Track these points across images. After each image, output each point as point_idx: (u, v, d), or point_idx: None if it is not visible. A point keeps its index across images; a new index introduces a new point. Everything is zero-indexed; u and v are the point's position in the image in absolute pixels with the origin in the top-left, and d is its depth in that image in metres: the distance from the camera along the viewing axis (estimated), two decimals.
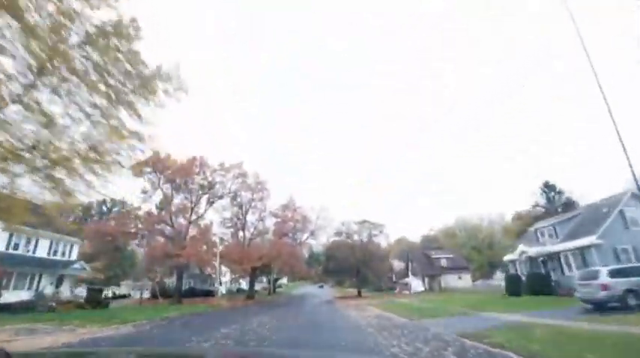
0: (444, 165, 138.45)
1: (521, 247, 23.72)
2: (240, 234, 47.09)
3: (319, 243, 49.95)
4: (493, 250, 75.26)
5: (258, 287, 77.03)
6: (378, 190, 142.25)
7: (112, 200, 61.54)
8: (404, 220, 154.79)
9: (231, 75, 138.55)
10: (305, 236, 47.17)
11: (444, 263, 48.91)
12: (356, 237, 46.17)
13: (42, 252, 23.16)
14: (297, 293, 63.75)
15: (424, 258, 51.18)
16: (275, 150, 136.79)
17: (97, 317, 16.90)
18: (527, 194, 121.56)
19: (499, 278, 58.60)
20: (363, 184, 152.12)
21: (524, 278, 23.02)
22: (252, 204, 47.23)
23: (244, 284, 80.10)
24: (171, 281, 48.55)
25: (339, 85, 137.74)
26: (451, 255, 50.66)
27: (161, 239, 39.49)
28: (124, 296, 51.43)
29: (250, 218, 48.09)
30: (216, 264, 32.68)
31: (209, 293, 48.44)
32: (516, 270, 25.79)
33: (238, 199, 46.18)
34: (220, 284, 67.58)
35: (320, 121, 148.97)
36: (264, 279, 70.91)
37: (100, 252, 42.42)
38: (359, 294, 44.31)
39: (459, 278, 47.71)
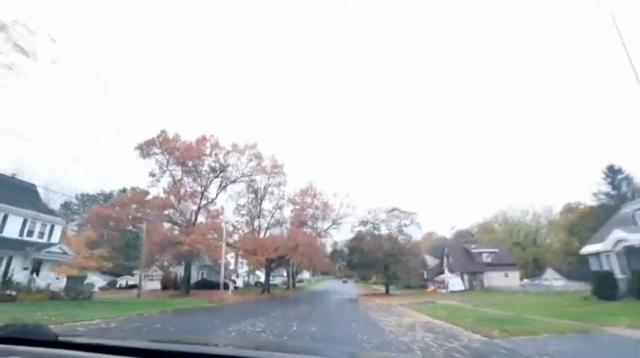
0: (483, 151, 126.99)
1: (616, 234, 17.35)
2: (255, 223, 42.88)
3: (343, 234, 44.86)
4: (538, 247, 67.07)
5: (278, 280, 73.21)
6: (407, 179, 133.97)
7: (133, 188, 59.54)
8: (434, 214, 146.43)
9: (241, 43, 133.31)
10: (326, 225, 42.22)
11: (486, 258, 42.30)
12: (384, 228, 40.62)
13: (12, 231, 19.71)
14: (319, 288, 58.98)
15: (463, 252, 44.74)
16: (294, 132, 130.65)
17: (49, 312, 12.82)
18: (580, 183, 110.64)
19: (550, 278, 51.05)
20: (391, 172, 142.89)
21: (620, 276, 16.84)
22: (269, 190, 42.83)
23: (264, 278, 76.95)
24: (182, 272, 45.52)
25: (366, 55, 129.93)
26: (495, 250, 43.86)
27: (166, 225, 35.84)
28: (134, 287, 48.82)
29: (267, 206, 43.79)
30: (222, 252, 28.55)
31: (223, 286, 44.75)
32: (601, 266, 19.38)
33: (254, 185, 41.90)
34: (237, 276, 64.51)
35: (344, 98, 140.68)
36: (285, 273, 66.68)
37: (105, 239, 39.60)
38: (387, 292, 38.86)
39: (505, 276, 41.00)
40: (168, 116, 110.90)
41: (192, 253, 35.09)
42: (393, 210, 39.72)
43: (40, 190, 27.76)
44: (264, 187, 42.49)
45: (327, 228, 42.09)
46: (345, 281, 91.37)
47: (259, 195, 42.77)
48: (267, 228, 43.92)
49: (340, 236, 43.33)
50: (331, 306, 23.13)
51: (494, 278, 40.45)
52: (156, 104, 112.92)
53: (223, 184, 39.63)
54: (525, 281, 46.77)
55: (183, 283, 35.37)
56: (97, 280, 54.01)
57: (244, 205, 42.64)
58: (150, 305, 19.81)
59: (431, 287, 46.28)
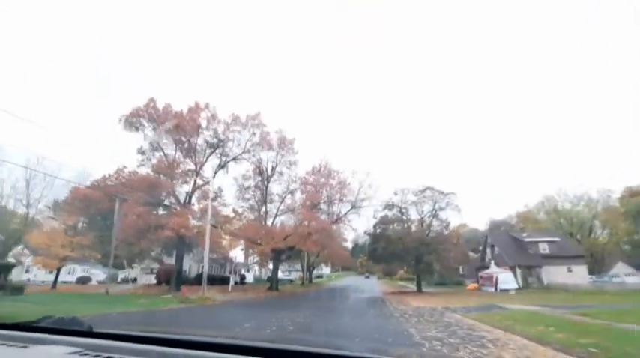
0: (524, 128, 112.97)
1: None
2: (262, 209, 36.77)
3: (364, 221, 37.97)
4: (595, 237, 57.48)
5: (295, 275, 67.20)
6: (432, 162, 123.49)
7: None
8: (464, 203, 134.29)
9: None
10: (344, 210, 35.48)
11: (544, 249, 34.23)
12: (414, 212, 33.45)
13: None
14: (338, 284, 52.39)
15: (512, 242, 36.82)
16: (307, 104, 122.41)
17: None
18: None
19: (620, 273, 42.36)
20: (413, 153, 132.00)
21: None
22: (278, 170, 36.59)
23: (281, 273, 71.18)
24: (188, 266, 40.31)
25: (401, 22, 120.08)
26: (555, 239, 35.59)
27: (148, 207, 30.23)
28: (133, 281, 44.26)
29: (275, 189, 37.62)
30: (207, 237, 22.59)
31: (225, 281, 39.22)
32: None
33: (259, 164, 35.81)
34: (248, 270, 59.06)
35: (367, 65, 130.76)
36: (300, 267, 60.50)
37: (88, 226, 34.76)
38: (419, 290, 31.82)
39: (569, 270, 32.86)
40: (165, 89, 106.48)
41: (184, 241, 29.54)
42: (426, 189, 32.44)
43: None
44: (272, 167, 36.34)
45: (346, 213, 35.36)
46: (367, 277, 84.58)
47: (265, 176, 36.63)
48: (277, 215, 37.70)
49: (361, 223, 36.22)
50: (350, 310, 16.57)
51: (555, 274, 32.44)
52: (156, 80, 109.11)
53: (222, 162, 33.77)
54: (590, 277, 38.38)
55: (175, 277, 29.85)
56: (96, 273, 50.25)
57: (249, 187, 36.64)
58: (107, 304, 14.66)
59: (470, 285, 38.78)
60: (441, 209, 32.27)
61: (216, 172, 33.35)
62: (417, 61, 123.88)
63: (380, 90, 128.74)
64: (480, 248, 43.39)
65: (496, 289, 29.80)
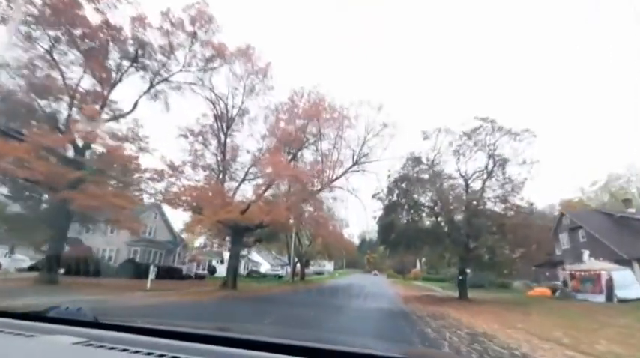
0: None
1: None
2: (213, 160, 24.04)
3: (372, 188, 24.90)
4: None
5: (288, 271, 54.57)
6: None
7: None
8: None
9: None
10: (339, 169, 22.49)
11: None
12: (451, 167, 20.52)
13: None
14: (337, 284, 39.35)
15: (614, 223, 23.20)
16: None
17: None
18: None
19: None
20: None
21: None
22: (242, 108, 23.96)
23: (269, 267, 58.32)
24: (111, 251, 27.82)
25: None
26: None
27: None
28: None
29: (239, 139, 24.96)
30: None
31: (174, 274, 27.06)
32: None
33: (213, 99, 23.29)
34: (222, 261, 46.54)
35: None
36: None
37: None
38: (463, 296, 18.81)
39: None
40: None
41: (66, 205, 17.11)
42: (479, 127, 19.31)
43: None
44: (239, 108, 23.71)
45: (345, 173, 22.37)
46: (375, 275, 71.98)
47: (225, 119, 24.06)
48: (246, 179, 24.86)
49: (367, 192, 22.86)
50: None
51: None
52: None
53: (150, 82, 21.26)
54: None
55: (49, 263, 17.60)
56: (22, 259, 38.44)
57: (199, 133, 24.03)
58: None
59: (535, 288, 25.48)
60: (504, 162, 19.03)
61: (136, 104, 20.82)
62: None
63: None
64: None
65: (610, 298, 16.53)
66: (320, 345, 1.18)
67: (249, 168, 23.44)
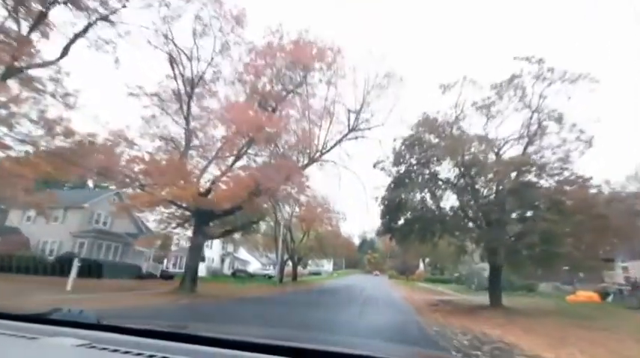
0: None
1: None
2: (176, 130, 18.95)
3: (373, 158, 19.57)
4: None
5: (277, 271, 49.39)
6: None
7: None
8: None
9: None
10: (333, 131, 17.40)
11: None
12: (485, 131, 15.46)
13: None
14: (333, 286, 34.19)
15: None
16: None
17: None
18: None
19: None
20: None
21: None
22: (211, 63, 18.84)
23: (260, 266, 53.18)
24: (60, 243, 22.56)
25: None
26: None
27: None
28: None
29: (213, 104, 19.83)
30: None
31: (126, 272, 22.09)
32: None
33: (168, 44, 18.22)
34: (203, 260, 41.39)
35: None
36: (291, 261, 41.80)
37: None
38: (495, 303, 13.77)
39: None
40: None
41: None
42: (513, 78, 14.27)
43: None
44: (209, 64, 18.59)
45: (341, 140, 17.28)
46: (376, 275, 67.53)
47: (190, 79, 18.96)
48: (217, 156, 19.60)
49: (367, 163, 17.53)
50: None
51: None
52: None
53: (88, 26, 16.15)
54: None
55: None
56: None
57: (154, 93, 18.90)
58: None
59: (578, 293, 20.24)
60: (559, 117, 13.93)
61: (66, 48, 15.72)
62: None
63: None
64: None
65: None
66: (311, 346, 1.17)
67: (220, 141, 18.36)
